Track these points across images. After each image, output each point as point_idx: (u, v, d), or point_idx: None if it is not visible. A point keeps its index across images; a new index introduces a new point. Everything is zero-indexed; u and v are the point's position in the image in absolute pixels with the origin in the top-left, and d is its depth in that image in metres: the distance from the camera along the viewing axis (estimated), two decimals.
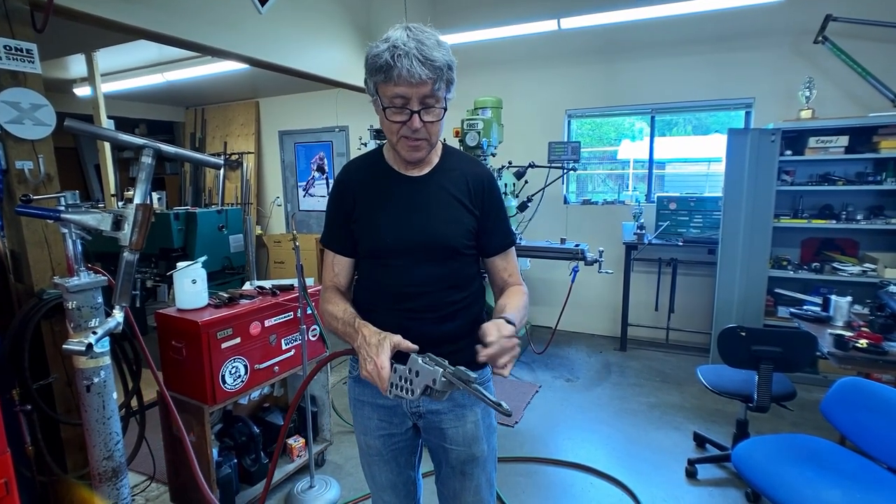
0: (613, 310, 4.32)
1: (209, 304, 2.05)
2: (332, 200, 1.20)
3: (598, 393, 3.31)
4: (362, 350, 0.98)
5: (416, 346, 0.97)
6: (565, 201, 4.52)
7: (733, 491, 2.28)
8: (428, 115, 1.01)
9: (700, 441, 2.66)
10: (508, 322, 0.97)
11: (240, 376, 2.00)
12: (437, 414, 1.17)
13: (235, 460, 2.12)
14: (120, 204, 3.95)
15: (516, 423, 2.92)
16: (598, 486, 2.34)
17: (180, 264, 2.04)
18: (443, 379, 0.85)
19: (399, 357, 0.97)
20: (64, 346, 0.97)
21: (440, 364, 0.89)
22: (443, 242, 1.12)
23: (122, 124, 5.86)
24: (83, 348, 0.97)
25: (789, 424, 2.84)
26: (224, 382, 1.95)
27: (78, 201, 1.25)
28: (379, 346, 0.96)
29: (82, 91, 4.68)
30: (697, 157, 4.38)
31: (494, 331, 0.92)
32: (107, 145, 3.63)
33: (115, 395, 1.46)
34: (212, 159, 1.27)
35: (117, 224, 1.08)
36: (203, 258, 2.12)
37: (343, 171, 1.21)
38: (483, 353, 0.91)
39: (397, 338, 0.98)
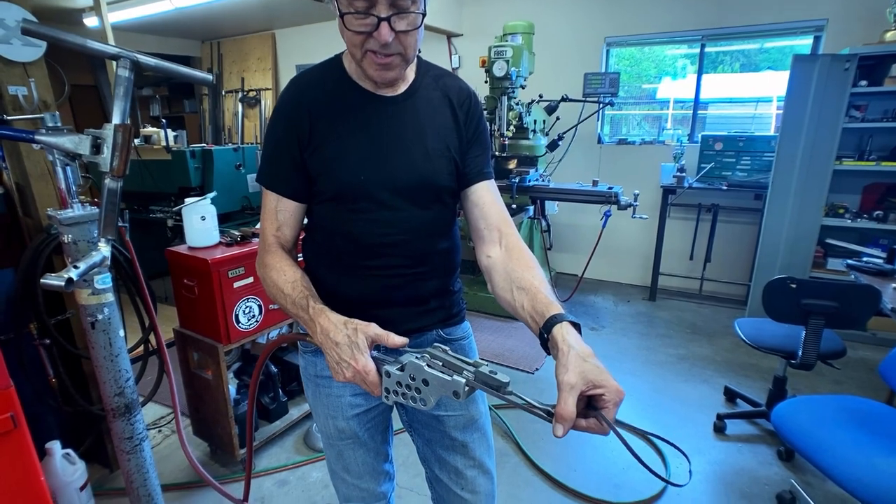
0: (645, 258, 4.12)
1: (220, 243, 1.98)
2: (276, 125, 0.91)
3: (624, 343, 3.20)
4: (329, 351, 0.76)
5: (402, 340, 0.76)
6: (599, 141, 4.21)
7: (763, 448, 2.18)
8: (401, 23, 0.76)
9: (731, 396, 2.54)
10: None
11: (254, 316, 1.96)
12: None
13: None
14: (137, 141, 3.87)
15: (537, 370, 2.86)
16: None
17: (188, 200, 1.96)
18: (467, 388, 0.68)
19: (378, 348, 0.79)
20: (42, 280, 0.88)
21: (451, 364, 0.71)
22: (430, 181, 0.91)
23: None
24: (62, 283, 0.89)
25: (830, 382, 2.68)
26: (238, 322, 1.90)
27: (59, 124, 1.13)
28: (353, 346, 0.74)
29: (92, 21, 4.49)
30: (745, 96, 3.95)
31: (615, 393, 0.64)
32: None
33: (122, 333, 1.41)
34: (199, 73, 1.11)
35: (97, 148, 0.96)
36: (212, 194, 2.03)
37: (291, 86, 0.91)
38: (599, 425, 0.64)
39: (373, 328, 0.76)
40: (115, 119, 0.97)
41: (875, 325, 3.04)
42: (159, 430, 2.30)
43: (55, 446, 1.74)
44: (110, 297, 1.37)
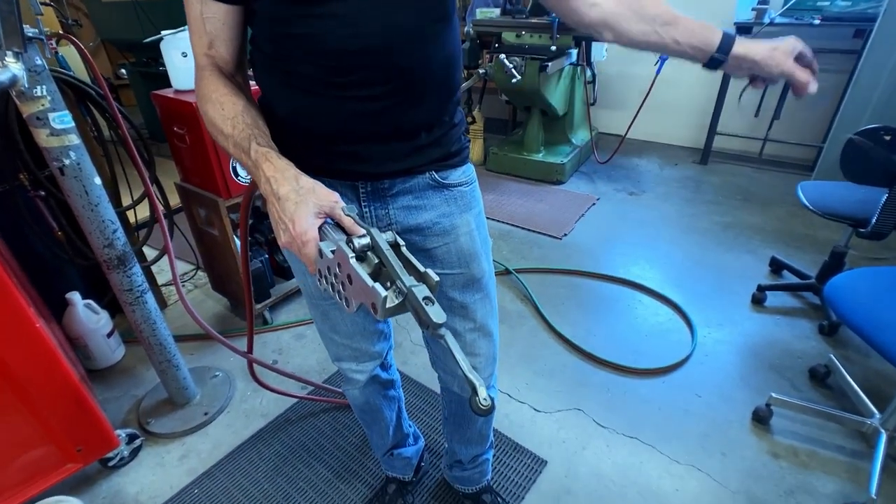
0: (701, 115, 3.60)
1: None
2: None
3: (665, 209, 2.94)
4: (271, 206, 0.61)
5: (360, 230, 0.58)
6: None
7: (804, 322, 2.02)
8: None
9: (777, 267, 2.33)
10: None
11: None
12: (419, 232, 0.84)
13: (266, 255, 2.09)
14: None
15: (565, 235, 2.69)
16: (647, 304, 2.16)
17: (165, 32, 1.68)
18: (387, 307, 0.50)
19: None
20: None
21: (388, 261, 0.53)
22: None
23: None
24: None
25: (894, 258, 2.40)
26: (236, 175, 1.76)
27: None
28: (298, 204, 0.59)
29: None
30: None
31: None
32: None
33: (98, 181, 1.29)
34: None
35: None
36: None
37: None
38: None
39: (334, 201, 0.60)
40: None
41: None
42: (182, 285, 2.35)
43: (75, 296, 1.77)
44: (74, 139, 1.21)
